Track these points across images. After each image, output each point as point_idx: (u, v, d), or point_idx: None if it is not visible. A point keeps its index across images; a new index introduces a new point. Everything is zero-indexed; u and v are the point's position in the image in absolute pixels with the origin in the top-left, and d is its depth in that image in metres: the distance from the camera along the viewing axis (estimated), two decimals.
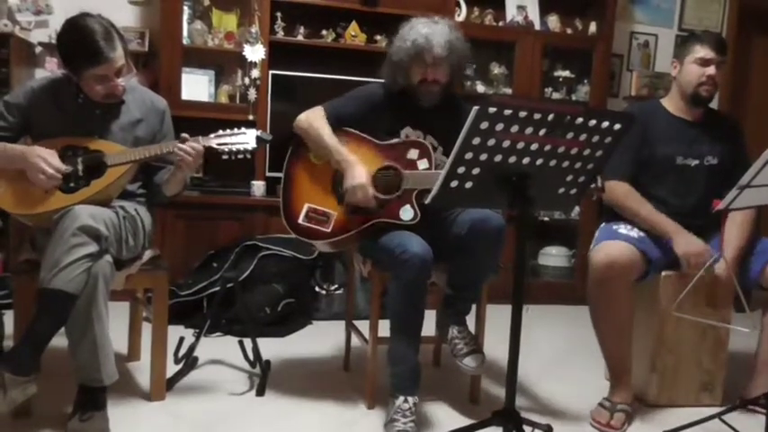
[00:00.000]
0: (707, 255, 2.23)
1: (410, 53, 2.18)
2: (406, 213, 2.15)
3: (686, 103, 2.43)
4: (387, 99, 2.30)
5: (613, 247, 2.22)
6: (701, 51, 2.34)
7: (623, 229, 2.33)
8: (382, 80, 2.34)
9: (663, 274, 2.34)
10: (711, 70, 2.34)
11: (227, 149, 2.10)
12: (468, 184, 1.60)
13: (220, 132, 2.12)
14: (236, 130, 2.13)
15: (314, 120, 2.23)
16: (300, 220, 2.21)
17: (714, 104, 4.22)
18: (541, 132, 1.54)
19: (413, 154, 2.20)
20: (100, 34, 1.94)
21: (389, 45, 2.34)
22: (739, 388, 2.45)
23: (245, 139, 2.11)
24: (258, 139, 2.11)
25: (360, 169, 2.15)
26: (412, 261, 2.00)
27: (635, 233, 2.31)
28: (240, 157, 2.12)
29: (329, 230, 2.19)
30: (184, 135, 2.07)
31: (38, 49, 3.58)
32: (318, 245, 2.25)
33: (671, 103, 2.48)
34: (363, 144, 2.25)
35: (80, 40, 1.94)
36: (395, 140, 2.25)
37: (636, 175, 2.38)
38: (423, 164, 2.18)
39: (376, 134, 2.25)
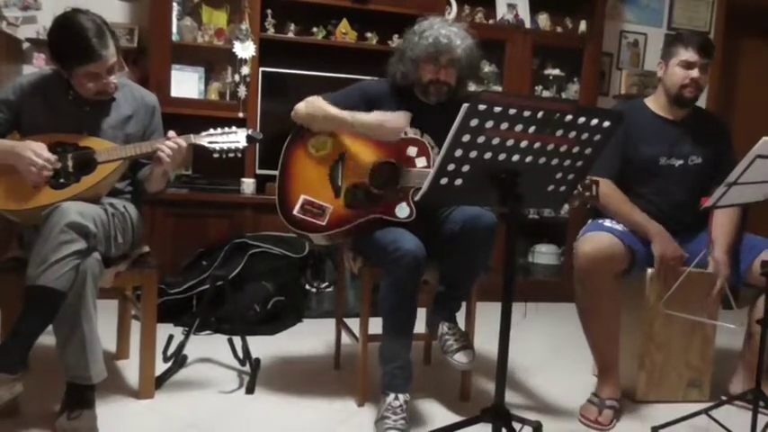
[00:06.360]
0: (680, 261, 2.27)
1: (429, 50, 2.18)
2: (402, 211, 2.15)
3: (670, 104, 2.43)
4: (389, 94, 2.30)
5: (598, 237, 2.24)
6: (685, 54, 2.33)
7: (609, 222, 2.35)
8: (383, 77, 2.34)
9: (650, 271, 2.35)
10: (695, 73, 2.33)
11: (217, 148, 2.11)
12: (458, 182, 1.60)
13: (211, 131, 2.13)
14: (226, 129, 2.14)
15: (315, 103, 2.21)
16: (295, 212, 2.19)
17: (702, 104, 4.28)
18: (531, 130, 1.54)
19: (412, 151, 2.20)
20: (92, 32, 1.93)
21: (403, 40, 2.31)
22: (726, 384, 2.48)
23: (236, 138, 2.13)
24: (249, 138, 2.13)
25: (379, 115, 2.15)
26: (405, 258, 2.00)
27: (620, 226, 2.32)
28: (231, 155, 2.13)
29: (324, 224, 2.18)
30: (171, 132, 2.07)
31: (25, 45, 3.55)
32: (313, 237, 2.25)
33: (655, 103, 2.48)
34: (362, 137, 2.23)
35: (72, 37, 1.93)
36: None
37: (621, 173, 2.39)
38: (421, 162, 2.18)
39: None
